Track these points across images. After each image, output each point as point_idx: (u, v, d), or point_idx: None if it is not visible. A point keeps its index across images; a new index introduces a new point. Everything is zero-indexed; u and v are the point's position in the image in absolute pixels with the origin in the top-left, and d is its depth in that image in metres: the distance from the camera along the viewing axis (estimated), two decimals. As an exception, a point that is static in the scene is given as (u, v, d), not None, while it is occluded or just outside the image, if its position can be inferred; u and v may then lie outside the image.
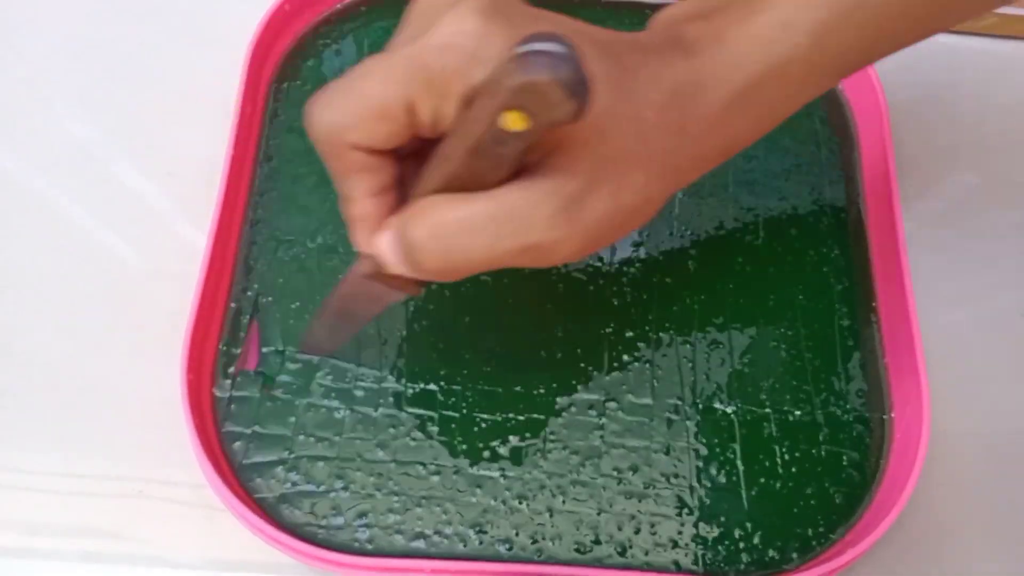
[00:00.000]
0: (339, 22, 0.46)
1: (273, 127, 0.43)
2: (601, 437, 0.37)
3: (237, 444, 0.36)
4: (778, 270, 0.41)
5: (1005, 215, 0.44)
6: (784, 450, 0.37)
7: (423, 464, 0.36)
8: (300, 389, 0.37)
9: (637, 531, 0.35)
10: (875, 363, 0.39)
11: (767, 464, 0.36)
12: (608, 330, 0.39)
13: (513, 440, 0.36)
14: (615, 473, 0.36)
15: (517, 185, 0.27)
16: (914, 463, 0.35)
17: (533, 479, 0.36)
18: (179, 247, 0.40)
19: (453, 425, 0.37)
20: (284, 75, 0.44)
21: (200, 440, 0.34)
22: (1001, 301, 0.41)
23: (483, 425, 0.37)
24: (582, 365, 0.38)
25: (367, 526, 0.35)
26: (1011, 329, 0.41)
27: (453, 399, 0.37)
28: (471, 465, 0.36)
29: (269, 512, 0.35)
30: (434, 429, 0.36)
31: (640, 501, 0.36)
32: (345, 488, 0.35)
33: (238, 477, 0.35)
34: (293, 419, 0.36)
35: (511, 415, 0.37)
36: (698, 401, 0.37)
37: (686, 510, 0.35)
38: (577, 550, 0.35)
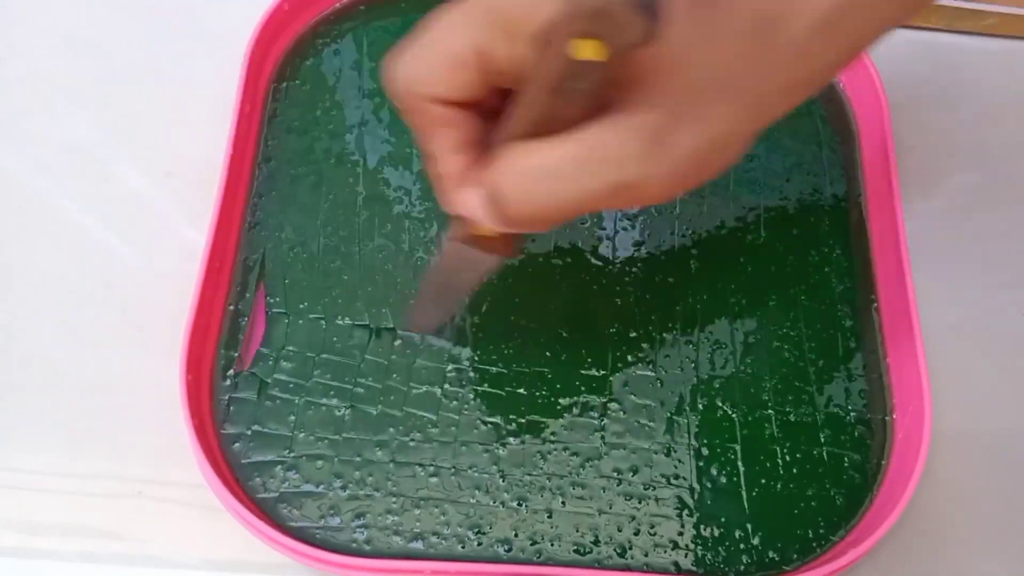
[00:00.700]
0: (338, 22, 0.45)
1: (272, 127, 0.43)
2: (602, 438, 0.36)
3: (237, 445, 0.36)
4: (780, 270, 0.40)
5: (1006, 214, 0.43)
6: (785, 451, 0.37)
7: (422, 465, 0.36)
8: (299, 387, 0.37)
9: (637, 532, 0.35)
10: (876, 363, 0.39)
11: (768, 465, 0.36)
12: (612, 331, 0.39)
13: (513, 442, 0.36)
14: (615, 474, 0.36)
15: (600, 124, 0.26)
16: (915, 464, 0.35)
17: (533, 480, 0.36)
18: (179, 247, 0.40)
19: (453, 427, 0.36)
20: (283, 75, 0.44)
21: (199, 440, 0.34)
22: (1002, 301, 0.41)
23: (483, 427, 0.37)
24: (586, 367, 0.38)
25: (365, 527, 0.35)
26: (1012, 329, 0.41)
27: (455, 401, 0.37)
28: (470, 466, 0.36)
29: (268, 512, 0.35)
30: (434, 431, 0.36)
31: (640, 502, 0.35)
32: (344, 488, 0.35)
33: (237, 477, 0.35)
34: (293, 417, 0.36)
35: (512, 417, 0.37)
36: (699, 401, 0.37)
37: (686, 511, 0.35)
38: (577, 551, 0.35)
